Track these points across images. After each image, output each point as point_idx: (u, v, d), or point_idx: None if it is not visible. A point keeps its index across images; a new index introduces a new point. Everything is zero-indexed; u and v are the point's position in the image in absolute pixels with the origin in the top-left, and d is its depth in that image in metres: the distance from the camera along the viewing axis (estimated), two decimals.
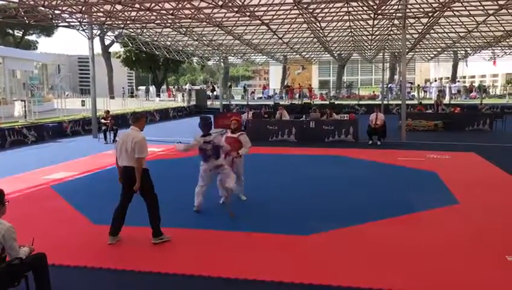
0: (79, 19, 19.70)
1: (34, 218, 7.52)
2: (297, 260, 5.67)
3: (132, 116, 6.71)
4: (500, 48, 34.09)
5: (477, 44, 31.51)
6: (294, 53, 37.06)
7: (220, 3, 17.11)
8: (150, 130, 23.46)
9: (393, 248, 6.03)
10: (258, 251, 5.99)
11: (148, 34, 27.17)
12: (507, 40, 28.69)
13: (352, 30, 26.35)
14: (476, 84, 44.73)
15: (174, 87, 52.87)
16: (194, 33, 26.53)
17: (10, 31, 53.17)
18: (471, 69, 47.89)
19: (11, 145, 16.60)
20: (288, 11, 20.13)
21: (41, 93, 27.65)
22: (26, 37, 57.44)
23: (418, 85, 46.34)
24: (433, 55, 40.74)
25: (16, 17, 18.85)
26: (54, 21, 21.40)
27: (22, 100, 20.96)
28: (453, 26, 24.88)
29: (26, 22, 20.46)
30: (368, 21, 22.73)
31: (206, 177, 7.70)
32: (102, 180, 10.82)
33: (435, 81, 43.93)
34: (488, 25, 23.56)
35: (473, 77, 54.38)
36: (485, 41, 29.38)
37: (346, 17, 22.05)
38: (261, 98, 46.00)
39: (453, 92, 38.33)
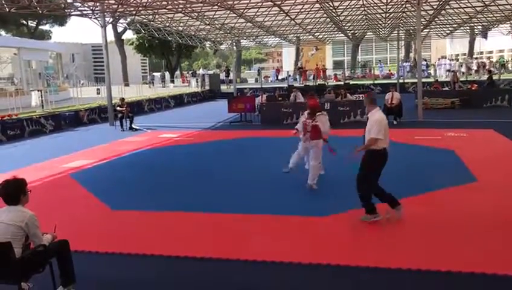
0: (91, 7, 19.72)
1: (55, 205, 7.68)
2: (316, 241, 5.71)
3: (367, 99, 6.85)
4: None
5: (494, 18, 30.76)
6: (307, 34, 36.66)
7: None
8: (166, 116, 23.60)
9: (412, 227, 6.02)
10: (276, 233, 6.05)
11: (160, 20, 27.11)
12: None
13: (365, 8, 25.94)
14: (494, 60, 43.67)
15: (187, 73, 52.76)
16: (205, 17, 26.39)
17: (24, 22, 53.59)
18: (488, 44, 46.81)
19: (29, 135, 16.89)
20: None
21: (57, 83, 27.89)
22: (40, 27, 57.87)
23: (434, 63, 45.49)
24: (449, 32, 39.91)
25: (28, 7, 18.94)
26: (66, 10, 21.47)
27: (38, 90, 21.20)
28: (469, 1, 24.30)
29: (40, 12, 20.56)
30: None
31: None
32: (120, 167, 10.97)
33: (453, 60, 42.96)
34: None
35: (491, 52, 53.17)
36: (503, 14, 28.65)
37: None
38: (274, 80, 45.61)
39: (472, 68, 37.55)
